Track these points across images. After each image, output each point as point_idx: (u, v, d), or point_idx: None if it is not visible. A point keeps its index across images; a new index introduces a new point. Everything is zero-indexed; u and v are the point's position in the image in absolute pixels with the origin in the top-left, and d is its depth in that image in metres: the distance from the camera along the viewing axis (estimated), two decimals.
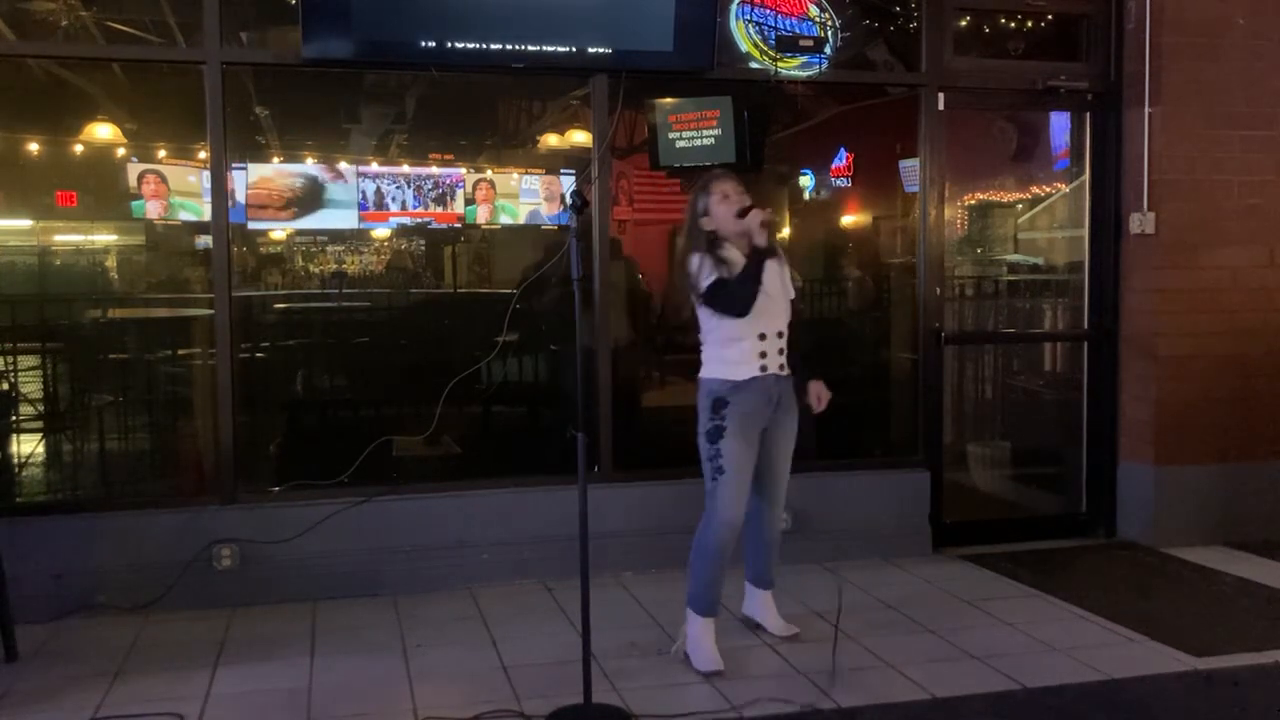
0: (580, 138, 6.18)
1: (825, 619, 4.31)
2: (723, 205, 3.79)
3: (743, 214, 3.74)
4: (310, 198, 5.46)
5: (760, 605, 4.18)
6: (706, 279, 3.73)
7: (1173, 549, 5.35)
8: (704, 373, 3.87)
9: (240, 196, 5.09)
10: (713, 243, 3.80)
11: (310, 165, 5.68)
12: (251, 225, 5.59)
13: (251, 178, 5.25)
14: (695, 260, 3.78)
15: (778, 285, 3.84)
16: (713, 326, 3.83)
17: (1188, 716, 3.50)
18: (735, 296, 3.69)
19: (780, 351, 3.84)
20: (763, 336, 3.79)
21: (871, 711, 3.48)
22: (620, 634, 4.17)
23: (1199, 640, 4.09)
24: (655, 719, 3.42)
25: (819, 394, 4.00)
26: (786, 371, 3.88)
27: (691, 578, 3.87)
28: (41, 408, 5.52)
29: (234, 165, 4.89)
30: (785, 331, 3.87)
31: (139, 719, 3.45)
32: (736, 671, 3.79)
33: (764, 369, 3.80)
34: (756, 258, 3.70)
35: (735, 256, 3.78)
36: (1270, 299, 5.50)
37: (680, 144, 5.22)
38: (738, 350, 3.78)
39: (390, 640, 4.17)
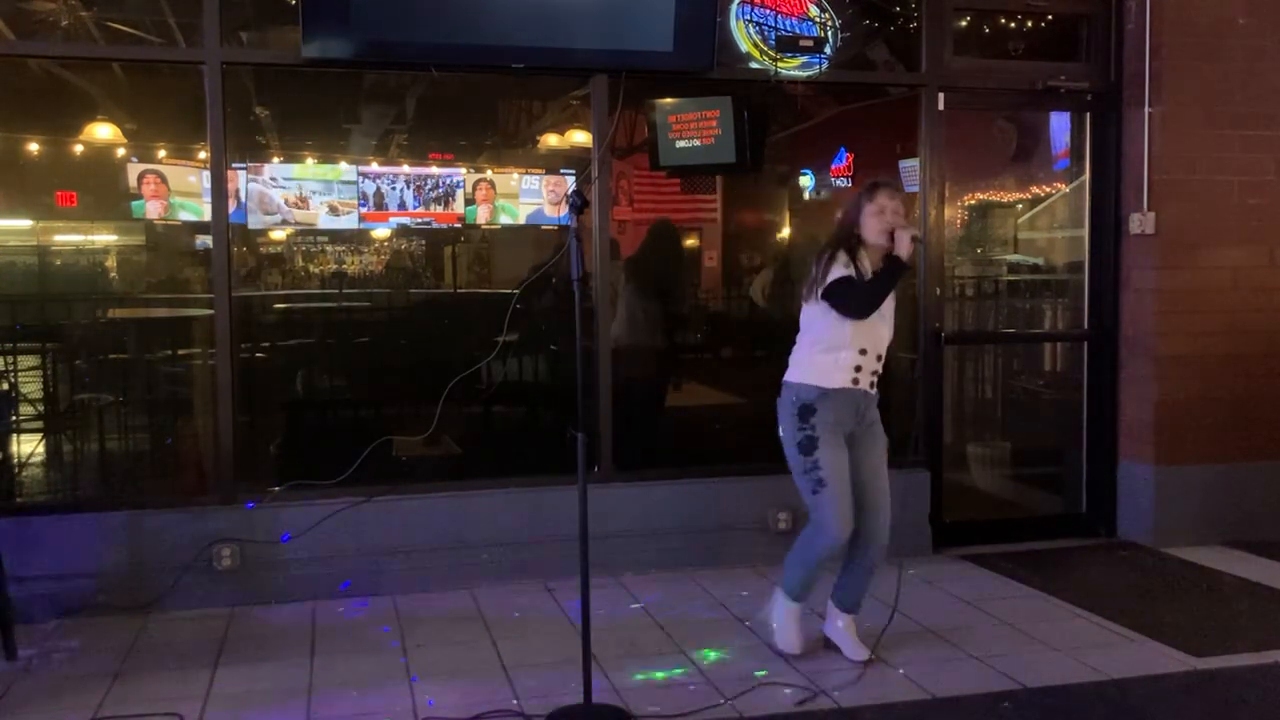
0: (580, 138, 6.18)
1: (820, 616, 4.31)
2: (875, 219, 3.74)
3: (891, 237, 3.71)
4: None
5: (840, 628, 4.00)
6: (834, 274, 3.69)
7: (1173, 549, 5.34)
8: (791, 376, 3.80)
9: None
10: (853, 246, 3.76)
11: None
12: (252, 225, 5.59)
13: None
14: (826, 256, 3.75)
15: (890, 311, 3.81)
16: (815, 329, 3.77)
17: (1188, 716, 3.50)
18: (862, 296, 3.67)
19: (874, 373, 3.79)
20: (863, 352, 3.72)
21: (871, 711, 3.48)
22: (620, 634, 4.16)
23: (1199, 640, 4.09)
24: (655, 718, 3.43)
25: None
26: (875, 392, 3.83)
27: (787, 571, 3.92)
28: (41, 408, 5.53)
29: (234, 165, 4.89)
30: (884, 355, 3.83)
31: (139, 719, 3.45)
32: (741, 670, 3.80)
33: (855, 382, 3.73)
34: (894, 266, 3.68)
35: (866, 268, 3.74)
36: (1270, 299, 5.50)
37: (680, 144, 5.22)
38: (834, 359, 3.72)
39: (390, 640, 4.17)
